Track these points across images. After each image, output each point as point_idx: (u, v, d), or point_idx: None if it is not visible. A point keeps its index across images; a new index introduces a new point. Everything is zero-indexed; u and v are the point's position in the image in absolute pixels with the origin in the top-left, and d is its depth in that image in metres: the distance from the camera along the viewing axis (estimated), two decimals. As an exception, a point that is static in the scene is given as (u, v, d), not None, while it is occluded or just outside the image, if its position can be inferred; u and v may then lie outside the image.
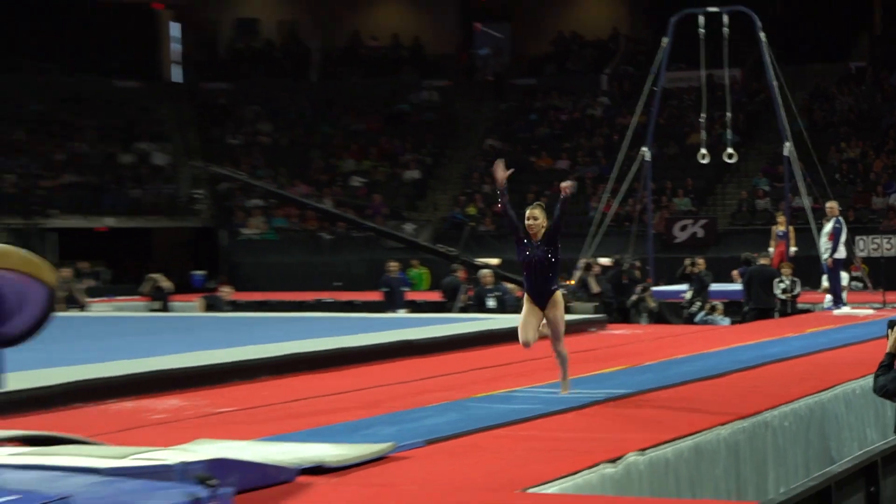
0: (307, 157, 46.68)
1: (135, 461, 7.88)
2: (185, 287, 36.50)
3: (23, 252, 7.28)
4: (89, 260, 37.52)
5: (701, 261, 28.13)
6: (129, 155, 46.01)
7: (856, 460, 8.40)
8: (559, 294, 12.43)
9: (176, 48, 52.34)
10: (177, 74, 52.04)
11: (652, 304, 26.97)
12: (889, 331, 10.36)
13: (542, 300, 12.27)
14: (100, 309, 30.88)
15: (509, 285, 27.46)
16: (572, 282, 27.76)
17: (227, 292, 28.72)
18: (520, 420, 11.01)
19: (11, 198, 42.46)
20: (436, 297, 29.37)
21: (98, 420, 10.95)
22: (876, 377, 10.49)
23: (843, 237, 24.86)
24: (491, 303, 25.67)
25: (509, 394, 13.00)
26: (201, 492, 6.80)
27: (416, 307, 28.16)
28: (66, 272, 28.82)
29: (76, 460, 8.01)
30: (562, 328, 12.40)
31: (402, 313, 26.25)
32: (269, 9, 52.59)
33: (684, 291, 27.81)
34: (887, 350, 10.26)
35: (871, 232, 33.49)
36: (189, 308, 30.29)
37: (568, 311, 24.69)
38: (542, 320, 12.34)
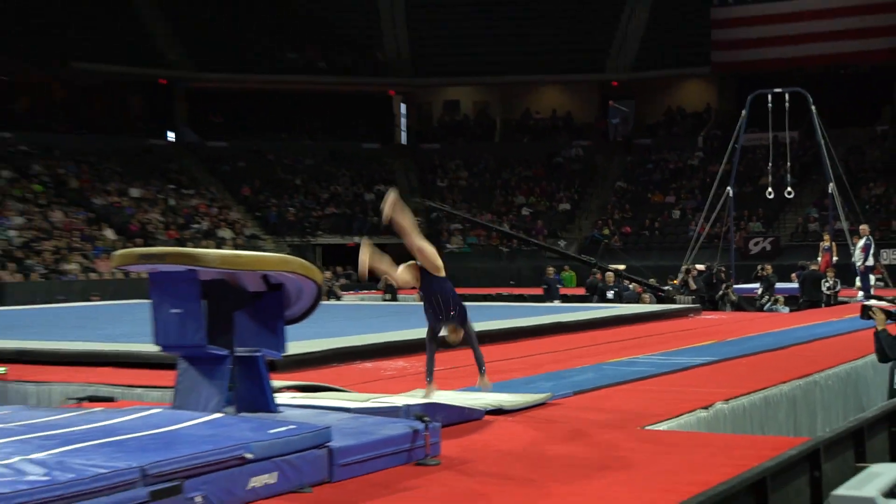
0: (492, 195, 46.91)
1: (373, 404, 8.12)
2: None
3: (300, 260, 7.53)
4: (343, 265, 38.16)
5: (769, 267, 27.91)
6: (370, 194, 46.63)
7: (881, 409, 8.37)
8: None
9: (403, 121, 52.84)
10: (403, 139, 52.51)
11: (733, 297, 26.69)
12: (870, 312, 10.77)
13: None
14: (350, 299, 31.36)
15: (632, 285, 27.42)
16: (677, 281, 27.65)
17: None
18: (640, 378, 11.10)
19: (292, 224, 43.45)
20: (580, 292, 29.39)
21: (348, 375, 11.25)
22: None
23: (872, 250, 25.66)
24: (609, 294, 25.72)
25: (632, 360, 13.06)
26: (419, 425, 7.00)
27: (566, 299, 28.14)
28: (328, 274, 29.42)
29: (333, 402, 8.27)
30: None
31: (556, 303, 26.32)
32: (467, 93, 52.95)
33: (756, 288, 27.53)
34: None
35: (892, 246, 35.51)
36: (411, 299, 30.65)
37: (673, 302, 25.02)
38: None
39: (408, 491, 6.14)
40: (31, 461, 5.43)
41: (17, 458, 5.50)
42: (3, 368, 10.57)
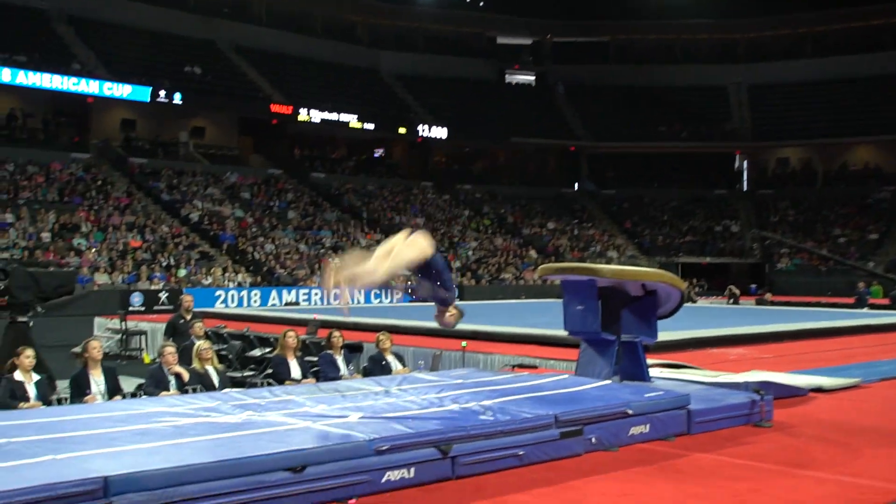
0: (814, 228, 43.70)
1: (720, 379, 7.83)
2: (746, 293, 35.22)
3: (669, 273, 7.39)
4: (697, 277, 36.99)
5: None
6: (719, 226, 44.93)
7: None
8: None
9: (744, 173, 50.49)
10: (745, 187, 50.10)
11: None
12: None
13: None
14: (701, 303, 30.28)
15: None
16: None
17: (768, 297, 27.61)
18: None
19: (660, 248, 42.61)
20: (885, 302, 26.69)
21: (701, 358, 10.88)
22: None
23: None
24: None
25: (933, 355, 11.72)
26: (756, 396, 6.70)
27: (873, 307, 25.67)
28: (686, 285, 28.56)
29: (691, 377, 8.05)
30: None
31: (865, 310, 24.03)
32: (795, 152, 49.72)
33: None
34: None
35: None
36: (748, 304, 29.24)
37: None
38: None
39: (747, 445, 5.92)
40: (482, 406, 5.68)
41: (472, 404, 5.78)
42: (464, 343, 11.09)
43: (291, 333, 9.16)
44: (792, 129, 47.56)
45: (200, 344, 8.61)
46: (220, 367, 8.59)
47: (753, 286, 38.41)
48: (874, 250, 40.74)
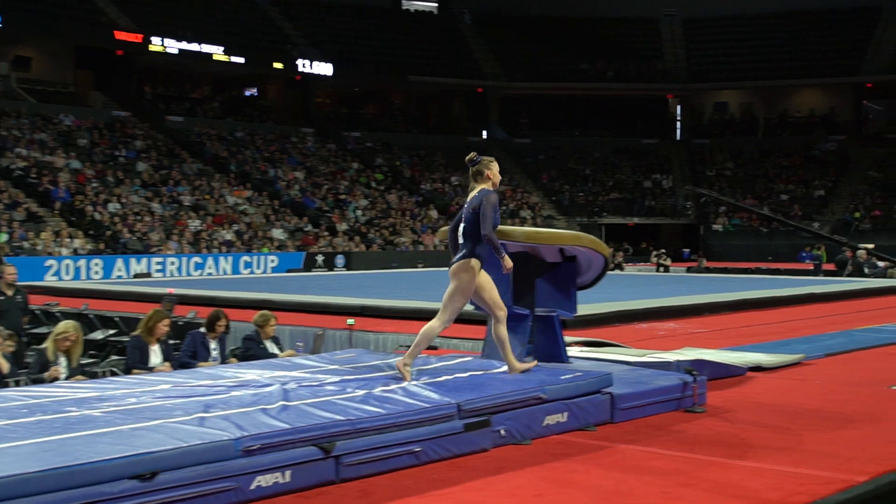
0: (754, 183, 45.20)
1: (648, 358, 8.02)
2: (678, 259, 36.29)
3: (591, 236, 7.49)
4: (623, 242, 37.87)
5: None
6: (648, 181, 46.02)
7: None
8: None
9: (678, 120, 51.76)
10: (678, 135, 51.36)
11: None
12: None
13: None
14: (628, 270, 31.01)
15: (880, 263, 25.70)
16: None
17: (703, 261, 28.54)
18: (886, 344, 10.48)
19: (582, 206, 43.41)
20: (831, 267, 27.86)
21: (627, 334, 11.12)
22: None
23: None
24: (870, 271, 24.25)
25: (880, 327, 12.32)
26: (688, 378, 6.89)
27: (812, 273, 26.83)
28: (610, 250, 29.19)
29: (615, 356, 8.21)
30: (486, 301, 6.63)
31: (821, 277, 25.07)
32: (734, 96, 51.19)
33: None
34: None
35: None
36: (682, 270, 30.09)
37: (892, 277, 23.35)
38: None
39: (678, 433, 6.07)
40: (372, 395, 5.67)
41: (360, 392, 5.76)
42: (351, 320, 11.06)
43: (167, 320, 8.82)
44: (731, 70, 48.90)
45: (60, 326, 8.27)
46: (77, 357, 8.28)
47: (686, 251, 39.57)
48: (819, 209, 42.40)
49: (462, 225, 6.54)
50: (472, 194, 6.58)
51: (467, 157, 6.70)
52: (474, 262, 6.43)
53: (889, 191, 42.89)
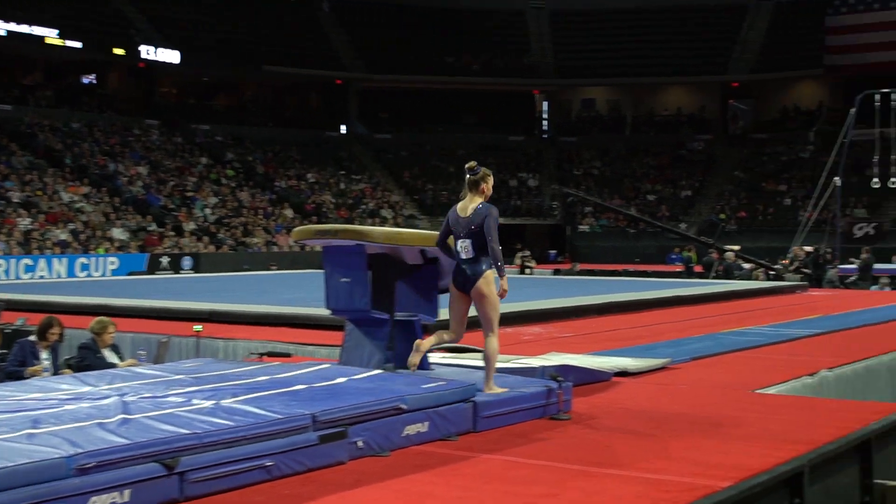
0: (621, 183, 46.45)
1: (513, 364, 8.13)
2: (543, 260, 36.96)
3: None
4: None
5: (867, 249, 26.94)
6: (514, 180, 46.71)
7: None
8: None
9: (545, 116, 52.74)
10: (545, 132, 52.33)
11: (836, 276, 25.80)
12: None
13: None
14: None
15: (746, 265, 26.77)
16: (787, 262, 26.87)
17: (576, 265, 29.31)
18: (751, 347, 10.90)
19: (446, 205, 43.57)
20: (699, 269, 28.87)
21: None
22: None
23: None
24: (736, 273, 25.27)
25: (744, 330, 12.85)
26: (553, 384, 7.00)
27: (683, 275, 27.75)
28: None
29: (478, 363, 8.28)
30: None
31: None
32: (601, 93, 52.47)
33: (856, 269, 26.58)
34: None
35: None
36: (548, 273, 30.63)
37: (783, 280, 24.44)
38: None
39: (542, 441, 6.16)
40: (220, 406, 5.58)
41: (207, 403, 5.66)
42: (198, 326, 10.87)
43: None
44: (598, 66, 50.01)
45: None
46: None
47: (553, 252, 40.31)
48: (686, 209, 43.87)
49: (468, 240, 6.84)
50: (469, 206, 6.87)
51: (468, 165, 6.97)
52: (490, 273, 6.88)
53: (753, 191, 44.74)
